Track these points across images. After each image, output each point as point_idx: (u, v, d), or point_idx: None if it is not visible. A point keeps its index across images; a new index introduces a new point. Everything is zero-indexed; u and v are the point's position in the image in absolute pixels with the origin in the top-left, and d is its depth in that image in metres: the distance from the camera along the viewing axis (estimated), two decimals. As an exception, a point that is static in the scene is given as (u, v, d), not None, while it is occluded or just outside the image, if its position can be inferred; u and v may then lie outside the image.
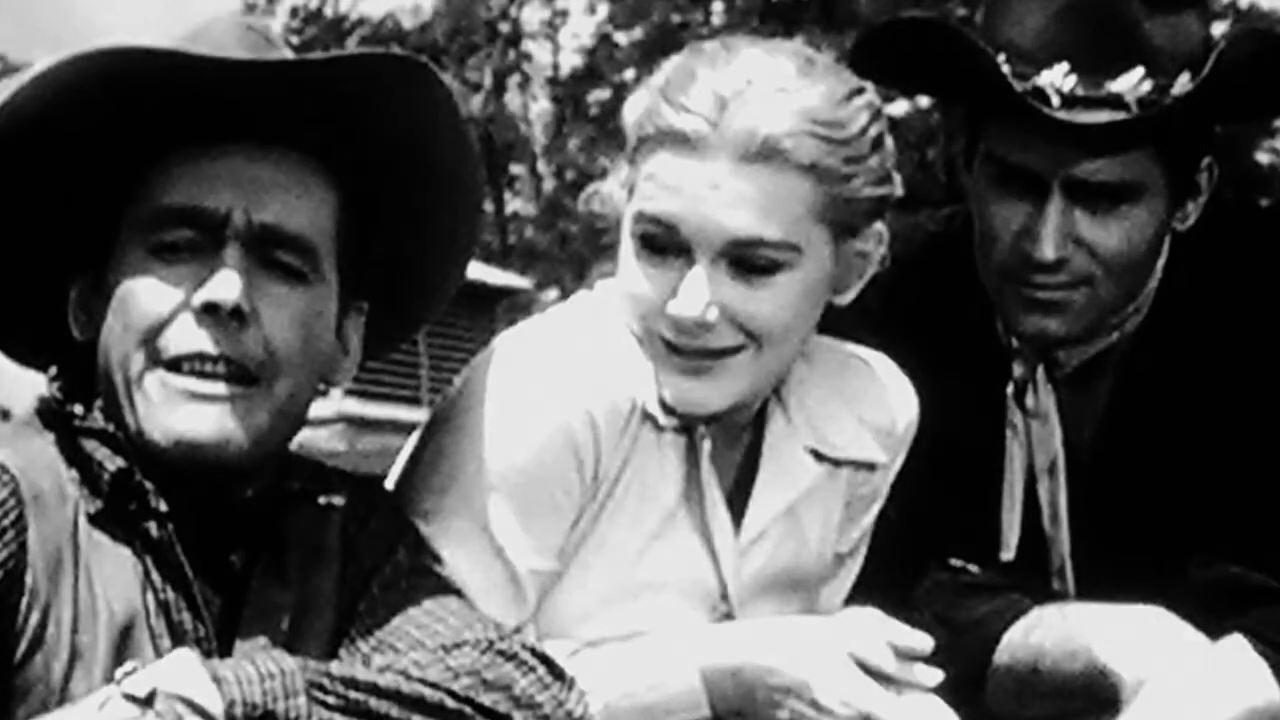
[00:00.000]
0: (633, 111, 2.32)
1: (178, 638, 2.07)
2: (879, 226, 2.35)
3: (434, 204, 2.24)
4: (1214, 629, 2.52)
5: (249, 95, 2.10)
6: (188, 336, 2.09)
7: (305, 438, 2.26)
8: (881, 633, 2.31)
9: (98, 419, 2.14)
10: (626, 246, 2.32)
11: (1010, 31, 2.62)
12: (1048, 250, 2.60)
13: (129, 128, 2.12)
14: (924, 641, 2.31)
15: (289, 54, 2.18)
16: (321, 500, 2.22)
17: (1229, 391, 2.69)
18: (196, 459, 2.09)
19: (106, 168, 2.14)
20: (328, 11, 40.43)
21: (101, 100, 2.09)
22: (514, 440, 2.26)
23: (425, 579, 2.20)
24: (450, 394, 2.35)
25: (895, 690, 2.29)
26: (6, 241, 2.17)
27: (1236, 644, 2.50)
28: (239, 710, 1.93)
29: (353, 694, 1.99)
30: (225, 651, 2.07)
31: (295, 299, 2.14)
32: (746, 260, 2.26)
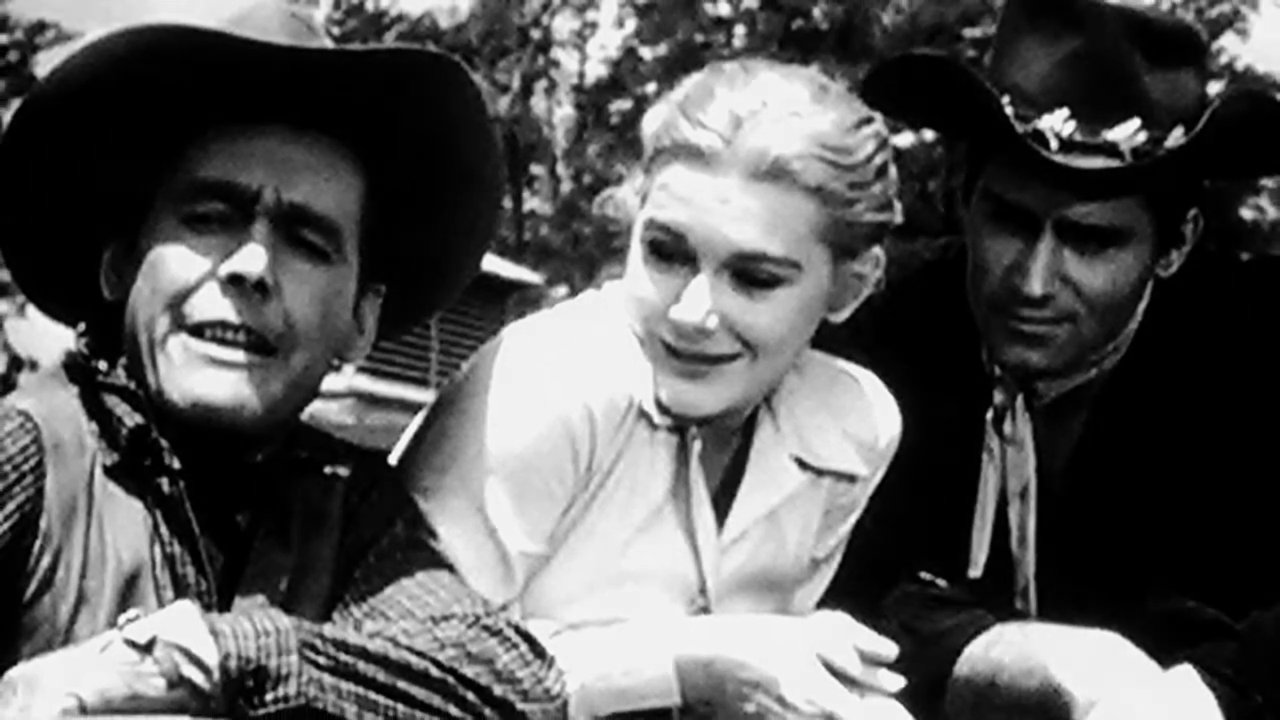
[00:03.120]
0: (651, 123, 2.32)
1: (180, 590, 2.07)
2: (876, 251, 2.35)
3: (456, 197, 2.24)
4: (1166, 658, 2.52)
5: (288, 80, 2.10)
6: (212, 304, 2.10)
7: (316, 410, 2.26)
8: (849, 637, 2.31)
9: (120, 376, 2.14)
10: (635, 251, 2.32)
11: (1015, 75, 2.62)
12: (1036, 286, 2.60)
13: (171, 101, 2.13)
14: (889, 648, 2.31)
15: (329, 43, 2.18)
16: (327, 470, 2.22)
17: (1197, 433, 2.69)
18: (211, 421, 2.09)
19: (147, 138, 2.14)
20: (369, 6, 40.41)
21: (147, 74, 2.09)
22: (514, 427, 2.26)
23: (419, 552, 2.20)
24: (457, 378, 2.35)
25: (859, 693, 2.29)
26: (48, 201, 2.17)
27: (1186, 674, 2.49)
28: (233, 663, 1.92)
29: (342, 656, 1.99)
30: (225, 607, 2.07)
31: (317, 277, 2.14)
32: (749, 273, 2.26)
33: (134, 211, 2.16)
